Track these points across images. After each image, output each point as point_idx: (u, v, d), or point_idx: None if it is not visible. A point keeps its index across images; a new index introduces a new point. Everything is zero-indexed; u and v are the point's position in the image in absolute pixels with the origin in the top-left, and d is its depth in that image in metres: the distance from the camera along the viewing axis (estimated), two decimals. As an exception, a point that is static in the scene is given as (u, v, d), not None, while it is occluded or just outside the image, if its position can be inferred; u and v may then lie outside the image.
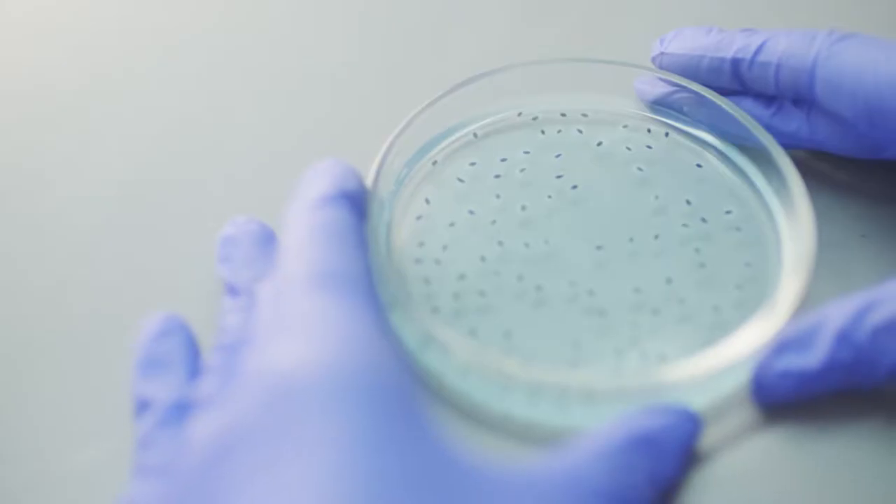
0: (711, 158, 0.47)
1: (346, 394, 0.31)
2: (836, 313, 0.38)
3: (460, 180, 0.46)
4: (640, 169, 0.46)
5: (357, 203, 0.39)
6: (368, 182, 0.42)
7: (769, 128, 0.46)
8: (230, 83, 0.53)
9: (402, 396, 0.32)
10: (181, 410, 0.37)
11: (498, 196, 0.45)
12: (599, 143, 0.47)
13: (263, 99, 0.53)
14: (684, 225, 0.44)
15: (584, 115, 0.48)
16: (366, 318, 0.34)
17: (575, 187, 0.45)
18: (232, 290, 0.40)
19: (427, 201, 0.45)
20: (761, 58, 0.45)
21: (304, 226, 0.37)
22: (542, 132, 0.48)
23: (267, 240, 0.42)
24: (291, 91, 0.53)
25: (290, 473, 0.30)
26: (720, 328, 0.41)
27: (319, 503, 0.29)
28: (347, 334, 0.33)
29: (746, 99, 0.47)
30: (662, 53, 0.48)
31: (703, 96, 0.47)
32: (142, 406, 0.37)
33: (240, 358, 0.36)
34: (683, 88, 0.47)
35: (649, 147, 0.47)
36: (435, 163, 0.46)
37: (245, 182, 0.48)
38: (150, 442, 0.36)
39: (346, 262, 0.36)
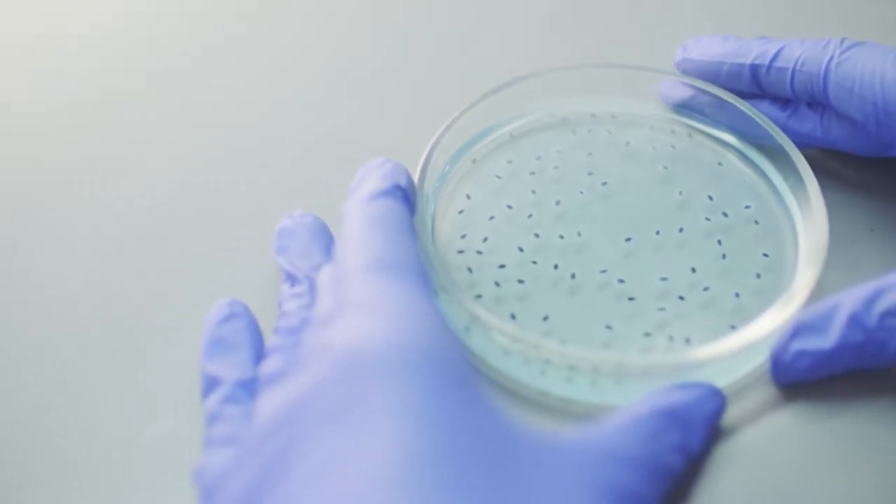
0: (731, 157, 0.48)
1: (409, 365, 0.32)
2: (848, 299, 0.39)
3: (498, 177, 0.47)
4: (664, 167, 0.47)
5: (407, 197, 0.41)
6: (415, 179, 0.43)
7: (785, 128, 0.47)
8: (280, 87, 0.55)
9: (458, 369, 0.34)
10: (247, 387, 0.38)
11: (533, 192, 0.46)
12: (627, 143, 0.49)
13: (312, 101, 0.54)
14: (706, 219, 0.45)
15: (613, 117, 0.50)
16: (421, 299, 0.35)
17: (605, 184, 0.47)
18: (290, 278, 0.42)
19: (468, 196, 0.46)
20: (778, 64, 0.46)
21: (362, 217, 0.38)
22: (574, 132, 0.49)
23: (320, 232, 0.44)
24: (338, 94, 0.54)
25: (358, 434, 0.31)
26: (741, 313, 0.42)
27: (388, 460, 0.30)
28: (406, 313, 0.34)
29: (764, 102, 0.48)
30: (685, 59, 0.50)
31: (723, 99, 0.48)
32: (210, 384, 0.39)
33: (302, 338, 0.38)
34: (705, 92, 0.49)
35: (673, 147, 0.49)
36: (474, 161, 0.48)
37: (296, 179, 0.49)
38: (218, 416, 0.37)
39: (401, 250, 0.37)
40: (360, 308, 0.35)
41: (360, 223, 0.38)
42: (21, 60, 0.57)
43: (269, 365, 0.37)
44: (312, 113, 0.53)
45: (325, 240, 0.43)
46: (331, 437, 0.32)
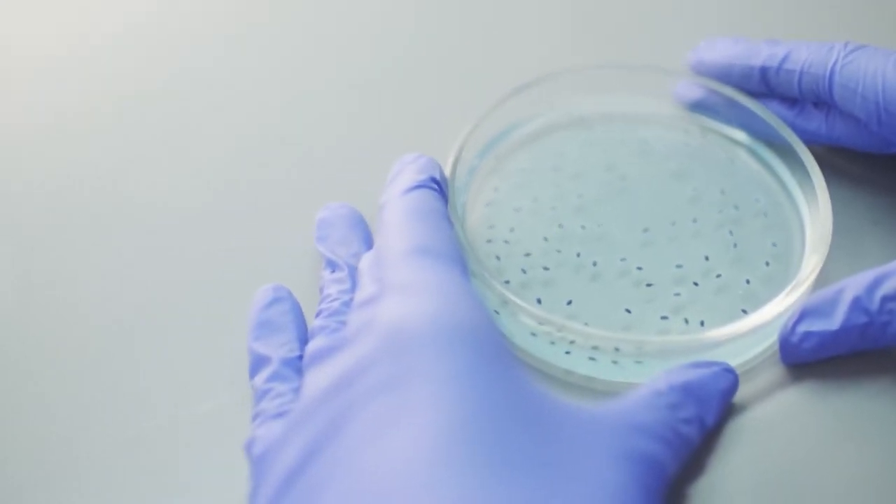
0: (742, 153, 0.49)
1: (451, 341, 0.34)
2: (852, 284, 0.41)
3: (522, 172, 0.49)
4: (679, 163, 0.49)
5: (441, 189, 0.42)
6: (446, 173, 0.45)
7: (793, 126, 0.48)
8: (316, 88, 0.55)
9: (495, 344, 0.35)
10: (293, 366, 0.40)
11: (556, 185, 0.48)
12: (643, 141, 0.50)
13: (343, 101, 0.55)
14: (719, 211, 0.47)
15: (629, 116, 0.51)
16: (460, 282, 0.37)
17: (622, 178, 0.48)
18: (331, 265, 0.43)
19: (495, 190, 0.48)
20: (787, 66, 0.47)
21: (401, 207, 0.40)
22: (593, 130, 0.50)
23: (357, 221, 0.45)
24: (369, 95, 0.55)
25: (404, 402, 0.33)
26: (751, 298, 0.43)
27: (434, 425, 0.32)
28: (447, 294, 0.36)
29: (772, 101, 0.49)
30: (698, 61, 0.51)
31: (734, 99, 0.49)
32: (258, 363, 0.40)
33: (345, 319, 0.39)
34: (717, 92, 0.50)
35: (687, 144, 0.50)
36: (499, 157, 0.49)
37: (330, 173, 0.51)
38: (267, 392, 0.39)
39: (439, 236, 0.39)
40: (402, 289, 0.36)
41: (399, 213, 0.40)
42: (45, 62, 0.57)
43: (316, 344, 0.38)
44: (343, 111, 0.54)
45: (362, 229, 0.45)
46: (378, 406, 0.33)
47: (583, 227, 0.46)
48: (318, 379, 0.36)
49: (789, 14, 0.60)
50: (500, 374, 0.34)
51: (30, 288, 0.47)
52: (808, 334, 0.41)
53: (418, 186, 0.41)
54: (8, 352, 0.44)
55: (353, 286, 0.42)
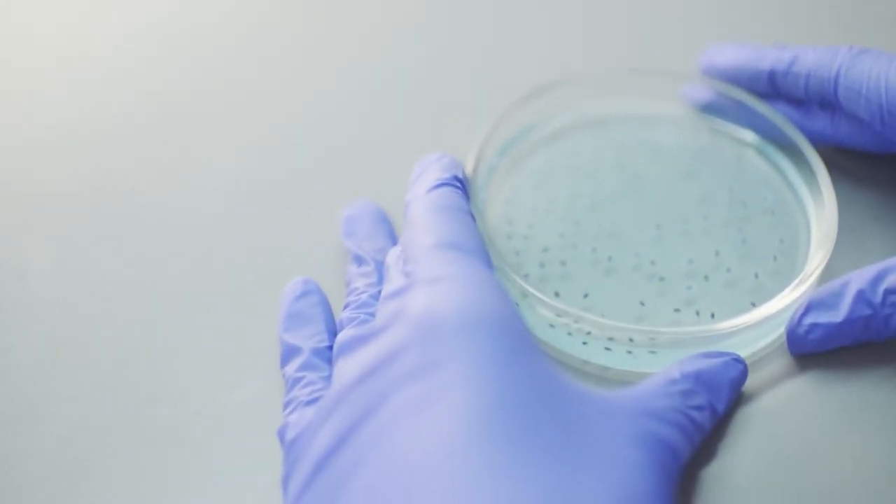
0: (750, 153, 0.50)
1: (478, 328, 0.35)
2: (856, 278, 0.42)
3: (539, 171, 0.50)
4: (689, 163, 0.50)
5: (465, 187, 0.43)
6: (469, 170, 0.46)
7: (799, 127, 0.49)
8: (338, 86, 0.57)
9: (519, 332, 0.36)
10: (322, 356, 0.41)
11: (571, 184, 0.49)
12: (655, 141, 0.51)
13: (366, 104, 0.56)
14: (728, 209, 0.48)
15: (642, 117, 0.52)
16: (485, 273, 0.38)
17: (635, 177, 0.49)
18: (358, 259, 0.44)
19: (513, 188, 0.49)
20: (794, 69, 0.48)
21: (427, 204, 0.41)
22: (607, 131, 0.51)
23: (382, 218, 0.46)
24: (389, 97, 0.56)
25: (434, 386, 0.33)
26: (759, 292, 0.44)
27: (462, 406, 0.33)
28: (473, 284, 0.36)
29: (780, 102, 0.50)
30: (708, 64, 0.51)
31: (743, 100, 0.50)
32: (288, 353, 0.41)
33: (374, 311, 0.40)
34: (726, 94, 0.50)
35: (697, 144, 0.51)
36: (518, 157, 0.50)
37: (351, 173, 0.52)
38: (299, 381, 0.40)
39: (464, 231, 0.40)
40: (430, 281, 0.37)
41: (425, 209, 0.41)
42: (62, 63, 0.59)
43: (346, 334, 0.38)
44: (366, 112, 0.55)
45: (387, 225, 0.46)
46: (409, 392, 0.34)
47: (598, 224, 0.47)
48: (349, 367, 0.37)
49: (790, 18, 0.61)
50: (526, 361, 0.35)
51: (71, 283, 0.48)
52: (814, 326, 0.42)
53: (443, 184, 0.42)
54: (50, 344, 0.46)
55: (380, 280, 0.43)
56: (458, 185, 0.43)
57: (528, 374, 0.35)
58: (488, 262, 0.39)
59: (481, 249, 0.40)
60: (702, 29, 0.60)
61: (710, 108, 0.52)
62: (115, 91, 0.57)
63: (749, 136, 0.51)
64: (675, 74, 0.52)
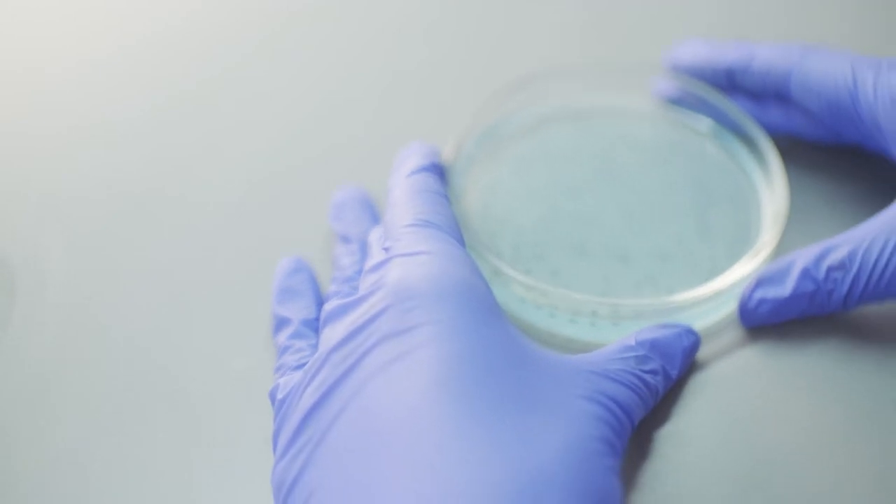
0: (713, 143, 0.52)
1: (449, 295, 0.37)
2: (801, 256, 0.43)
3: (518, 159, 0.52)
4: (660, 153, 0.52)
5: (442, 172, 0.45)
6: (448, 157, 0.48)
7: (757, 119, 0.51)
8: (331, 86, 0.59)
9: (487, 300, 0.38)
10: (311, 326, 0.43)
11: (549, 171, 0.51)
12: (628, 132, 0.53)
13: (354, 98, 0.57)
14: (692, 195, 0.50)
15: (616, 109, 0.54)
16: (457, 249, 0.40)
17: (609, 165, 0.51)
18: (344, 239, 0.47)
19: (492, 175, 0.51)
20: (751, 65, 0.50)
21: (406, 187, 0.43)
22: (583, 122, 0.53)
23: (367, 203, 0.49)
24: (376, 92, 0.58)
25: (408, 346, 0.35)
26: (716, 271, 0.46)
27: (434, 362, 0.35)
28: (445, 258, 0.38)
29: (739, 96, 0.52)
30: (674, 60, 0.54)
31: (704, 95, 0.52)
32: (280, 324, 0.44)
33: (357, 284, 0.43)
34: (690, 88, 0.52)
35: (666, 135, 0.53)
36: (497, 145, 0.52)
37: (341, 161, 0.54)
38: (289, 348, 0.42)
39: (437, 211, 0.41)
40: (406, 255, 0.39)
41: (404, 192, 0.43)
42: (79, 66, 0.60)
43: (331, 304, 0.40)
44: (357, 109, 0.57)
45: (371, 209, 0.48)
46: (384, 349, 0.36)
47: (572, 209, 0.49)
48: (333, 333, 0.39)
49: (761, 13, 0.62)
50: (492, 324, 0.37)
51: (86, 283, 0.49)
52: (762, 300, 0.44)
53: (422, 170, 0.44)
54: (64, 342, 0.47)
55: (363, 258, 0.46)
56: (436, 170, 0.45)
57: (493, 336, 0.37)
58: (460, 239, 0.41)
59: (454, 228, 0.42)
60: (675, 24, 0.61)
61: (678, 101, 0.54)
62: (127, 94, 0.59)
63: (712, 127, 0.53)
64: (646, 69, 0.54)
